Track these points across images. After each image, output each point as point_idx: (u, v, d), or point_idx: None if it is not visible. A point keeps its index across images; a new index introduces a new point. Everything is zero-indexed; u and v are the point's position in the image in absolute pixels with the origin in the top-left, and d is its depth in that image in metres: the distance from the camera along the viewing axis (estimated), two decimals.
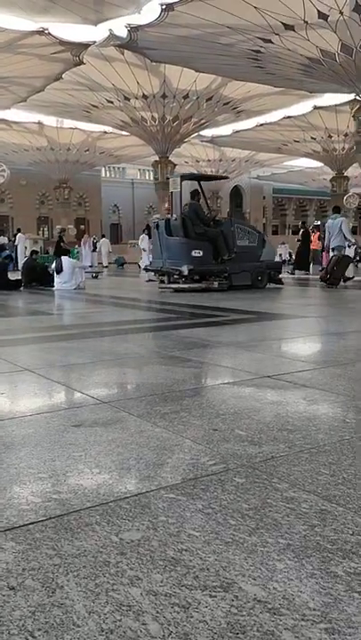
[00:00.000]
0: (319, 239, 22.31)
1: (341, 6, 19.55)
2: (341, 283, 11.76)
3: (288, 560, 1.39)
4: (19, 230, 24.61)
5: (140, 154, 41.56)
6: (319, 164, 43.76)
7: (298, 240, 20.78)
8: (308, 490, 1.79)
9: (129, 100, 31.23)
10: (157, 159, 35.62)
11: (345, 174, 39.90)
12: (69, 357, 4.36)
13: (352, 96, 25.75)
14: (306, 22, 20.34)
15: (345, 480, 1.86)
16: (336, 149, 38.05)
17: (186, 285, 10.73)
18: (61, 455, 2.14)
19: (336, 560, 1.39)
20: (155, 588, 1.28)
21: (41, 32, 22.34)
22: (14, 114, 34.45)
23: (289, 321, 6.59)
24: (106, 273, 21.38)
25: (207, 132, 38.86)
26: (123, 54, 26.05)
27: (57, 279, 12.33)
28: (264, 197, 63.89)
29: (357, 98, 24.83)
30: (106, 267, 25.39)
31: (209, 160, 48.08)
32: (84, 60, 25.35)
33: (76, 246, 29.70)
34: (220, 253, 10.97)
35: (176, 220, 11.16)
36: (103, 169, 56.05)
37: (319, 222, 51.59)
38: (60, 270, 12.26)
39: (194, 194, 11.73)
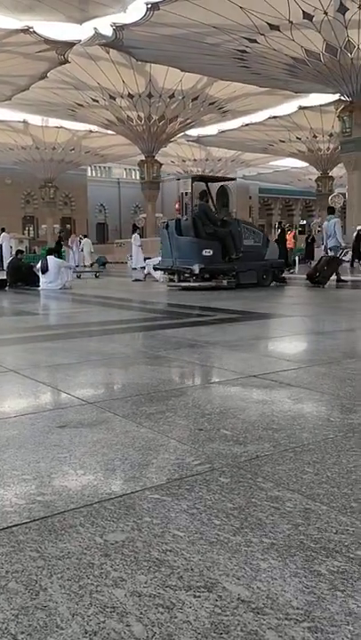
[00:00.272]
0: (294, 238, 22.52)
1: (326, 7, 19.69)
2: (333, 283, 11.90)
3: (272, 559, 1.39)
4: (3, 230, 24.42)
5: (126, 153, 41.49)
6: (305, 164, 44.02)
7: (275, 240, 20.93)
8: (293, 489, 1.80)
9: (114, 99, 31.17)
10: (143, 158, 35.61)
11: (330, 174, 40.15)
12: (55, 358, 4.34)
13: (337, 96, 25.93)
14: (291, 22, 20.45)
15: (329, 479, 1.88)
16: (321, 149, 38.29)
17: (196, 284, 11.04)
18: (46, 456, 2.13)
19: (320, 559, 1.39)
20: (139, 589, 1.28)
21: (26, 30, 22.23)
22: None
23: (276, 320, 6.62)
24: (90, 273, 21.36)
25: (193, 132, 38.93)
26: (108, 53, 26.00)
27: (42, 279, 12.26)
28: (250, 197, 64.05)
29: (342, 98, 25.00)
30: (77, 266, 25.37)
31: (195, 160, 48.15)
32: (70, 59, 25.27)
33: (62, 246, 29.51)
34: (229, 252, 11.30)
35: (187, 220, 11.52)
36: (89, 168, 55.86)
37: (305, 222, 51.86)
38: (45, 270, 12.19)
39: (202, 195, 12.05)
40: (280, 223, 26.96)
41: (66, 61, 25.24)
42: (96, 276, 17.45)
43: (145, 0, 20.25)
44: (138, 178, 39.76)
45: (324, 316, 7.25)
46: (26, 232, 50.15)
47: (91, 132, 38.95)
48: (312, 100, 32.95)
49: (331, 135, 35.35)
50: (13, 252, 16.17)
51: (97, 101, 31.58)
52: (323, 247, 12.76)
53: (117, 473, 1.96)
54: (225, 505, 1.69)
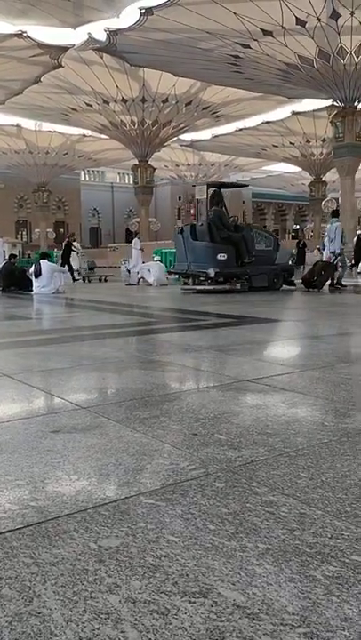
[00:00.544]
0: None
1: (319, 13, 19.82)
2: (329, 287, 11.98)
3: (267, 564, 1.39)
4: None
5: (119, 157, 41.54)
6: (298, 169, 44.23)
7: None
8: (287, 493, 1.79)
9: (108, 103, 31.21)
10: (137, 163, 35.64)
11: (323, 179, 40.34)
12: (48, 362, 4.32)
13: (330, 102, 26.09)
14: (284, 28, 20.58)
15: (323, 483, 1.87)
16: (314, 154, 38.48)
17: (211, 287, 11.46)
18: (39, 461, 2.12)
19: (315, 564, 1.39)
20: (133, 595, 1.27)
21: (19, 35, 22.24)
22: None
23: (270, 325, 6.62)
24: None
25: (187, 137, 39.04)
26: (102, 58, 26.05)
27: (35, 283, 12.24)
28: (243, 202, 64.22)
29: (335, 104, 25.16)
30: (76, 270, 25.32)
31: (189, 164, 48.27)
32: (63, 64, 25.30)
33: (55, 250, 29.49)
34: (242, 257, 11.66)
35: (202, 225, 11.91)
36: (82, 172, 55.91)
37: (298, 227, 52.07)
38: (38, 274, 12.17)
39: (217, 201, 12.43)
40: (264, 227, 26.89)
41: (59, 66, 25.27)
42: (105, 280, 17.52)
43: (139, 5, 20.34)
44: (131, 182, 39.76)
45: (319, 320, 7.27)
46: (19, 236, 50.09)
47: (84, 136, 38.98)
48: (305, 106, 33.16)
49: (324, 140, 35.55)
50: (7, 257, 16.14)
51: (90, 106, 31.62)
52: (326, 250, 12.83)
53: (111, 478, 1.95)
54: (220, 510, 1.68)
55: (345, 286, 12.50)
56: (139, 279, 15.53)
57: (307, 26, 20.44)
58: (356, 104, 24.35)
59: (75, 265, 21.43)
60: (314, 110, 32.83)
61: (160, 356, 4.52)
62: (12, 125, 37.53)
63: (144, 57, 24.18)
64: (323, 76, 22.93)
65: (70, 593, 1.28)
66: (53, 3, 19.65)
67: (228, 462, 2.07)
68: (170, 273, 14.43)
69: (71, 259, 17.92)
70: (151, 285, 14.52)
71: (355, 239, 21.67)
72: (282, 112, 34.49)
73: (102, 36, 23.03)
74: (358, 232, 21.59)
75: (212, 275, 11.31)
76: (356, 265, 21.42)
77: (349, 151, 24.40)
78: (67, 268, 16.26)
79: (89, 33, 23.47)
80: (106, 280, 17.57)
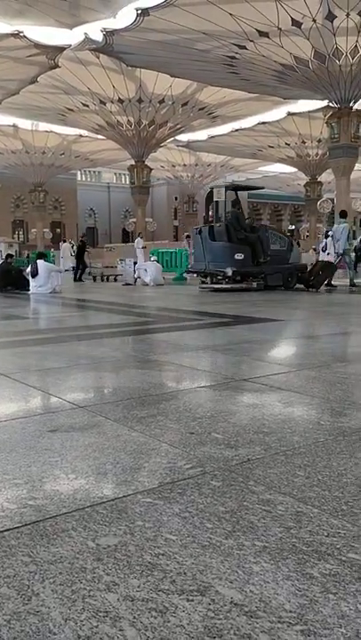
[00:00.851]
0: None
1: (314, 14, 19.86)
2: (324, 287, 12.07)
3: (264, 562, 1.39)
4: None
5: (115, 158, 41.50)
6: (293, 170, 44.26)
7: None
8: (284, 492, 1.80)
9: (105, 103, 31.19)
10: (133, 163, 35.62)
11: (318, 180, 40.39)
12: (45, 362, 4.32)
13: (325, 103, 26.14)
14: (280, 29, 20.60)
15: (320, 482, 1.88)
16: (310, 155, 38.53)
17: (228, 285, 11.89)
18: (37, 461, 2.12)
19: (312, 562, 1.40)
20: (132, 593, 1.28)
21: (16, 35, 22.19)
22: None
23: (266, 324, 6.63)
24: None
25: (183, 137, 39.02)
26: (98, 58, 26.02)
27: (32, 283, 12.23)
28: (239, 202, 64.12)
29: (330, 105, 25.20)
30: (66, 270, 25.28)
31: (185, 165, 48.25)
32: (60, 64, 25.26)
33: (52, 250, 29.47)
34: (258, 256, 12.15)
35: (220, 226, 12.45)
36: (79, 172, 55.83)
37: (294, 227, 52.14)
38: (35, 274, 12.16)
39: (234, 203, 13.20)
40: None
41: (56, 66, 25.23)
42: (101, 280, 17.49)
43: (135, 6, 20.32)
44: (128, 182, 39.74)
45: (316, 320, 7.28)
46: (15, 236, 50.01)
47: (81, 136, 38.93)
48: (301, 107, 33.19)
49: (319, 141, 35.58)
50: (3, 256, 16.12)
51: (87, 106, 31.58)
52: (332, 250, 12.97)
53: (109, 477, 1.95)
54: (217, 508, 1.69)
55: (357, 286, 12.61)
56: (135, 279, 15.53)
57: (302, 27, 20.46)
58: (351, 105, 24.39)
59: (65, 265, 21.32)
60: (309, 111, 32.86)
61: (157, 355, 4.52)
62: (9, 125, 37.44)
63: (140, 57, 24.17)
64: (318, 76, 22.96)
65: (69, 591, 1.29)
66: (50, 3, 19.63)
67: (225, 461, 2.08)
68: (188, 272, 14.82)
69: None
70: (148, 285, 14.52)
71: (359, 239, 21.74)
72: (278, 113, 34.53)
73: (99, 37, 23.01)
74: None
75: (230, 273, 11.76)
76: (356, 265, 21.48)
77: (345, 152, 24.44)
78: (62, 268, 16.23)
79: (85, 33, 23.45)
80: (115, 280, 17.40)
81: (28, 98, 29.63)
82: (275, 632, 1.14)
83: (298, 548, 1.46)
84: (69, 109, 32.24)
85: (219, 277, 12.18)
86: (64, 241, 31.50)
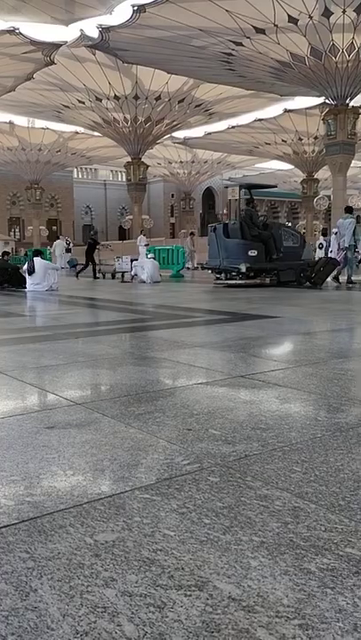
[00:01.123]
0: None
1: (311, 10, 19.83)
2: (332, 283, 12.19)
3: (262, 557, 1.40)
4: None
5: (112, 155, 41.43)
6: (290, 167, 44.25)
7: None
8: (282, 487, 1.81)
9: (101, 100, 31.11)
10: (130, 160, 35.55)
11: (315, 177, 40.39)
12: (42, 359, 4.32)
13: (322, 99, 26.13)
14: (276, 26, 20.57)
15: (317, 477, 1.89)
16: (306, 152, 38.51)
17: (242, 281, 12.28)
18: (34, 457, 2.12)
19: (309, 557, 1.40)
20: (130, 588, 1.28)
21: (11, 31, 22.11)
22: None
23: (263, 321, 6.63)
24: (65, 273, 21.21)
25: (179, 134, 38.96)
26: (94, 55, 25.95)
27: (29, 280, 12.21)
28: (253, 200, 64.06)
29: (327, 101, 25.19)
30: (63, 268, 25.21)
31: (181, 162, 48.20)
32: (56, 60, 25.17)
33: (49, 247, 29.43)
34: (271, 253, 12.51)
35: (234, 224, 12.80)
36: (75, 170, 55.72)
37: (290, 223, 52.16)
38: (32, 271, 12.14)
39: (248, 201, 13.67)
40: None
41: (52, 63, 25.14)
42: (112, 277, 17.37)
43: (131, 2, 20.24)
44: (124, 180, 39.68)
45: (313, 316, 7.29)
46: (12, 234, 49.92)
47: (77, 133, 38.84)
48: (297, 103, 33.17)
49: (316, 138, 35.58)
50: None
51: (83, 103, 31.50)
52: (335, 248, 13.09)
53: (107, 473, 1.95)
54: (215, 504, 1.69)
55: (355, 282, 12.72)
56: (132, 276, 15.52)
57: (299, 23, 20.43)
58: (348, 102, 24.39)
59: (58, 263, 21.27)
60: (306, 108, 32.86)
61: (154, 352, 4.52)
62: (5, 122, 37.33)
63: (137, 54, 24.11)
64: (315, 73, 22.94)
65: (66, 587, 1.29)
66: None
67: (222, 457, 2.08)
68: (203, 268, 15.14)
69: (55, 256, 17.82)
70: (145, 282, 14.52)
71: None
72: (274, 110, 34.51)
73: (95, 33, 22.94)
74: None
75: (244, 270, 12.10)
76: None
77: (341, 149, 24.43)
78: (58, 265, 16.17)
79: (81, 30, 23.37)
80: (122, 277, 17.13)
81: (24, 94, 29.54)
82: (273, 626, 1.14)
83: (295, 543, 1.46)
84: (65, 106, 32.15)
85: (233, 273, 12.53)
86: (57, 238, 31.45)
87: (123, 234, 46.90)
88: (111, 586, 1.29)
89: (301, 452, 2.13)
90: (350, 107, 24.70)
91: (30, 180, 43.59)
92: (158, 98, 30.88)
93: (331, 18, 20.13)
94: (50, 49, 24.03)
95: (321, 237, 19.88)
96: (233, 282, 12.47)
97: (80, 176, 58.18)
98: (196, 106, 31.88)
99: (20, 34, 22.38)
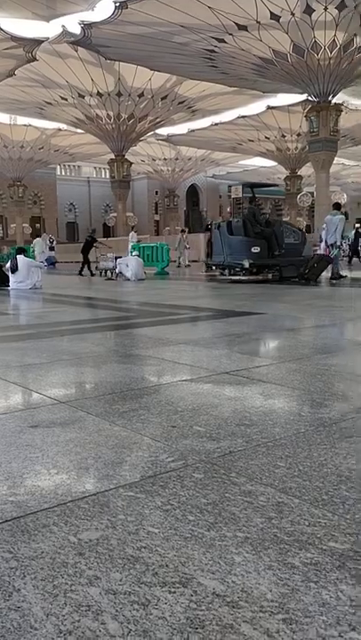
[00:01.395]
0: None
1: (293, 8, 19.89)
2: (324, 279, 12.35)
3: (246, 553, 1.40)
4: None
5: (95, 152, 41.24)
6: (273, 164, 44.39)
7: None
8: (266, 483, 1.81)
9: (83, 97, 30.95)
10: (113, 157, 35.42)
11: (298, 173, 40.57)
12: (26, 358, 4.29)
13: (304, 96, 26.24)
14: (258, 23, 20.61)
15: (301, 472, 1.90)
16: (289, 149, 38.66)
17: (245, 277, 12.72)
18: (18, 456, 2.10)
19: (293, 551, 1.41)
20: (114, 586, 1.28)
21: None
22: None
23: (248, 318, 6.65)
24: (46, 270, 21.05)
25: (163, 131, 38.88)
26: (76, 51, 25.79)
27: (12, 278, 12.11)
28: (220, 196, 64.26)
29: (309, 98, 25.30)
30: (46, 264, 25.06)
31: (165, 159, 48.13)
32: (38, 57, 24.98)
33: (32, 245, 29.21)
34: (273, 249, 12.86)
35: (238, 221, 13.25)
36: (58, 167, 55.34)
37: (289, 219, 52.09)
38: (15, 269, 12.04)
39: (251, 199, 14.39)
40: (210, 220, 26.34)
41: (34, 59, 24.95)
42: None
43: None
44: (108, 177, 39.53)
45: (299, 313, 7.32)
46: None
47: (60, 130, 38.60)
48: (280, 100, 33.29)
49: (299, 135, 35.73)
50: None
51: (66, 100, 31.30)
52: (323, 242, 13.26)
53: (91, 471, 1.94)
54: (199, 500, 1.69)
55: (344, 276, 12.99)
56: (117, 274, 15.46)
57: (281, 20, 20.49)
58: (330, 99, 24.52)
59: (37, 260, 21.04)
60: (289, 105, 32.98)
61: (138, 350, 4.51)
62: None
63: (119, 51, 24.00)
64: (297, 70, 23.03)
65: (50, 586, 1.28)
66: None
67: (206, 453, 2.08)
68: (207, 265, 15.63)
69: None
70: (129, 280, 14.48)
71: (353, 232, 22.10)
72: (257, 107, 34.58)
73: (77, 30, 22.81)
74: (357, 226, 22.45)
75: (247, 266, 12.54)
76: (351, 258, 21.83)
77: (324, 145, 24.58)
78: (41, 263, 16.03)
79: (63, 26, 23.22)
80: (107, 274, 16.96)
81: (6, 91, 29.28)
82: (257, 621, 1.15)
83: (279, 538, 1.47)
84: (48, 103, 31.93)
85: (237, 269, 12.91)
86: (37, 236, 31.27)
87: (107, 231, 46.70)
88: (95, 584, 1.29)
89: (285, 447, 2.14)
90: (333, 104, 24.85)
91: (13, 177, 43.24)
92: (141, 95, 30.80)
93: (313, 15, 20.22)
94: (31, 45, 23.84)
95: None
96: (237, 277, 12.87)
97: (63, 173, 57.82)
98: (180, 103, 31.85)
99: (1, 29, 22.18)
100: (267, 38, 21.40)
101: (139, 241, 23.50)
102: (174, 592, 1.25)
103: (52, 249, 29.96)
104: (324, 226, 13.62)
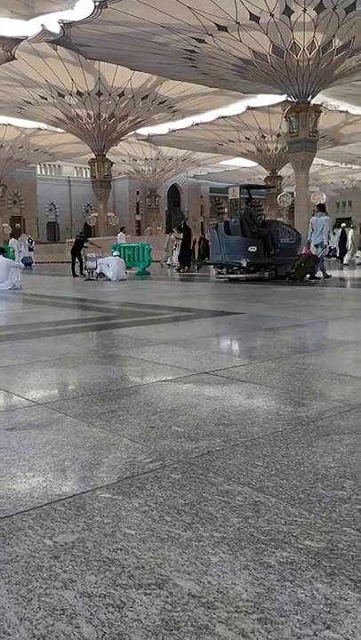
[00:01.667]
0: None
1: (272, 9, 19.99)
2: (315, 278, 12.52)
3: (222, 553, 1.40)
4: None
5: (76, 151, 41.04)
6: (254, 164, 44.61)
7: (177, 238, 22.01)
8: (243, 482, 1.81)
9: (63, 96, 30.77)
10: (94, 157, 35.28)
11: (279, 174, 40.79)
12: (3, 359, 4.24)
13: (284, 97, 26.40)
14: (238, 24, 20.69)
15: (278, 471, 1.90)
16: (270, 149, 38.86)
17: (243, 276, 13.13)
18: None
19: (269, 550, 1.41)
20: (89, 589, 1.27)
21: None
22: None
23: (228, 317, 6.67)
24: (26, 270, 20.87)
25: (144, 131, 38.83)
26: (56, 50, 25.64)
27: None
28: (201, 196, 64.41)
29: (289, 99, 25.46)
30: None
31: (146, 159, 48.08)
32: (17, 56, 24.77)
33: (10, 244, 28.94)
34: (269, 249, 13.36)
35: (235, 222, 13.69)
36: (38, 166, 54.95)
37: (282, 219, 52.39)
38: None
39: (247, 200, 14.82)
40: (185, 220, 25.85)
41: (13, 58, 24.73)
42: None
43: None
44: (89, 176, 39.35)
45: (278, 312, 7.35)
46: None
47: (39, 129, 38.33)
48: (260, 101, 33.46)
49: (279, 135, 35.94)
50: None
51: (45, 99, 31.09)
52: (306, 242, 13.58)
53: (68, 473, 1.93)
54: (176, 501, 1.69)
55: (329, 276, 13.37)
56: (98, 274, 15.40)
57: (261, 21, 20.60)
58: (309, 100, 24.71)
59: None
60: (269, 106, 33.16)
61: (118, 350, 4.49)
62: None
63: (99, 50, 23.91)
64: (277, 71, 23.17)
65: (24, 590, 1.27)
66: None
67: (185, 454, 2.08)
68: (207, 264, 16.06)
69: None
70: (110, 280, 14.43)
71: (339, 232, 22.41)
72: (237, 107, 34.72)
73: (56, 29, 22.66)
74: (343, 225, 22.95)
75: (245, 264, 12.95)
76: (341, 257, 22.09)
77: (303, 146, 24.77)
78: (21, 264, 15.90)
79: (42, 25, 23.06)
80: (90, 274, 16.61)
81: None
82: (232, 622, 1.15)
83: (256, 538, 1.47)
84: (27, 102, 31.69)
85: (234, 268, 13.36)
86: (12, 236, 31.02)
87: (88, 231, 46.47)
88: (70, 587, 1.27)
89: (263, 446, 2.15)
90: (312, 105, 25.04)
91: None
92: (122, 94, 30.72)
93: (292, 16, 20.35)
94: (10, 44, 23.64)
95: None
96: (235, 276, 13.32)
97: (44, 173, 57.43)
98: (160, 103, 31.83)
99: None
100: (246, 39, 21.50)
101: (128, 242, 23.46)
102: (150, 594, 1.24)
103: (30, 249, 29.74)
104: (310, 226, 13.87)
